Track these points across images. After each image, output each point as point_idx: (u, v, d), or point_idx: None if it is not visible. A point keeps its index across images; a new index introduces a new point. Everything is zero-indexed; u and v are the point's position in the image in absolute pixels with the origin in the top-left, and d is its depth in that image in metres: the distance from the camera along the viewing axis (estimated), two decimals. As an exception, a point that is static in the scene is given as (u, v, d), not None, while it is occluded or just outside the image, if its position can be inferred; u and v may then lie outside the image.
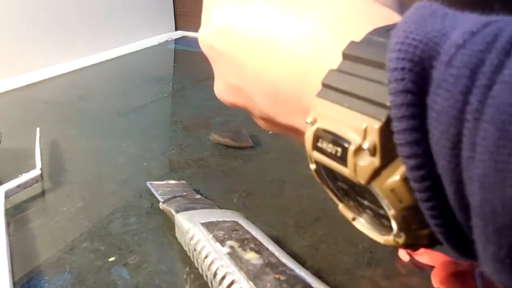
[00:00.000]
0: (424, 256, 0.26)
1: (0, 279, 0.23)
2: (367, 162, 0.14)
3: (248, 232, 0.24)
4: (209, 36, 0.23)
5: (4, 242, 0.26)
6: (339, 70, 0.16)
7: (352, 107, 0.15)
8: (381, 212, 0.16)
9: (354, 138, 0.14)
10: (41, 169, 0.34)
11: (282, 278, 0.20)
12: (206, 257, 0.22)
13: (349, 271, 0.25)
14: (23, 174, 0.32)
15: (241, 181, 0.35)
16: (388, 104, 0.13)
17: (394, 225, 0.15)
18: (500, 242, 0.11)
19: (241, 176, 0.35)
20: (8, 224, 0.28)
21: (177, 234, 0.26)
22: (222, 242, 0.23)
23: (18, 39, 0.61)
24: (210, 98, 0.54)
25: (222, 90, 0.24)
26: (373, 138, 0.14)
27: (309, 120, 0.17)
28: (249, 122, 0.47)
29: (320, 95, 0.16)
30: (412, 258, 0.26)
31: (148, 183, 0.33)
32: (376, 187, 0.14)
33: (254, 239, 0.23)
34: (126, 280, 0.24)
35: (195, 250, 0.23)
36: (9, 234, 0.27)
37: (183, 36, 0.89)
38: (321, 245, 0.27)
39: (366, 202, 0.16)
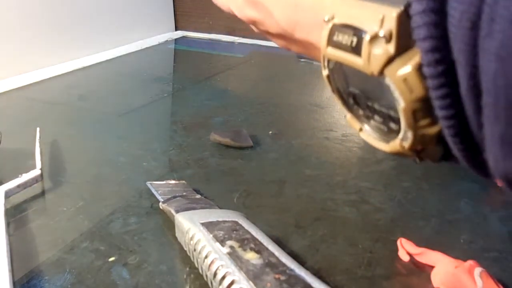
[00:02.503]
0: (424, 256, 0.26)
1: (0, 279, 0.23)
2: (382, 50, 0.14)
3: (248, 232, 0.24)
4: None
5: (4, 242, 0.26)
6: None
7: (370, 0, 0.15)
8: (391, 113, 0.15)
9: (370, 27, 0.14)
10: (41, 169, 0.34)
11: (282, 278, 0.20)
12: (206, 257, 0.22)
13: (349, 271, 0.25)
14: (23, 174, 0.32)
15: (241, 181, 0.35)
16: None
17: (402, 121, 0.15)
18: (509, 119, 0.11)
19: (241, 176, 0.35)
20: (8, 224, 0.28)
21: (177, 234, 0.26)
22: (222, 242, 0.23)
23: (18, 39, 0.61)
24: (210, 98, 0.54)
25: (240, 4, 0.24)
26: (390, 25, 0.14)
27: (326, 17, 0.17)
28: (249, 122, 0.47)
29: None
30: (412, 258, 0.26)
31: (148, 183, 0.33)
32: (389, 77, 0.14)
33: (254, 239, 0.23)
34: (126, 280, 0.24)
35: (195, 250, 0.23)
36: (9, 234, 0.27)
37: (183, 36, 0.89)
38: (321, 245, 0.27)
39: (376, 105, 0.16)
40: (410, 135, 0.15)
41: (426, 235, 0.28)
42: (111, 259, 0.26)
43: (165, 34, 0.89)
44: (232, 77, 0.63)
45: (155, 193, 0.31)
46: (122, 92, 0.56)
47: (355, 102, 0.18)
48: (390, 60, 0.14)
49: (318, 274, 0.23)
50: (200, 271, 0.23)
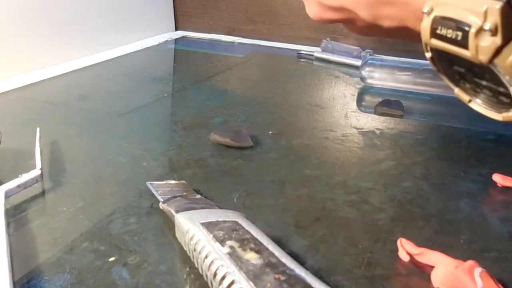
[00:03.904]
0: (424, 256, 0.26)
1: (0, 279, 0.23)
2: (489, 42, 0.15)
3: (248, 232, 0.24)
4: None
5: (4, 242, 0.26)
6: None
7: None
8: (500, 89, 0.16)
9: (474, 21, 0.15)
10: (41, 169, 0.34)
11: (282, 278, 0.20)
12: (206, 257, 0.22)
13: (349, 271, 0.25)
14: (23, 174, 0.32)
15: (241, 181, 0.35)
16: None
17: None
18: None
19: (241, 176, 0.35)
20: (8, 224, 0.28)
21: (177, 234, 0.26)
22: (222, 242, 0.23)
23: (18, 39, 0.61)
24: (210, 98, 0.54)
25: (318, 11, 0.24)
26: (494, 18, 0.14)
27: (425, 9, 0.17)
28: (249, 122, 0.47)
29: None
30: (412, 258, 0.26)
31: (148, 183, 0.33)
32: (498, 65, 0.15)
33: (254, 239, 0.23)
34: (126, 280, 0.24)
35: (195, 250, 0.23)
36: (9, 234, 0.27)
37: (183, 36, 0.89)
38: (321, 245, 0.27)
39: (484, 82, 0.17)
40: None
41: (426, 235, 0.28)
42: (111, 259, 0.26)
43: (165, 34, 0.89)
44: (232, 77, 0.63)
45: (155, 193, 0.31)
46: (122, 92, 0.56)
47: (461, 78, 0.18)
48: (498, 51, 0.15)
49: (318, 274, 0.23)
50: (200, 271, 0.23)
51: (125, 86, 0.59)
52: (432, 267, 0.25)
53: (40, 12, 0.63)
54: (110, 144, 0.41)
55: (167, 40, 0.84)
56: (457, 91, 0.19)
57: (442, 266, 0.24)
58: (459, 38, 0.16)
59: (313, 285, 0.20)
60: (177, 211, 0.26)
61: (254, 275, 0.20)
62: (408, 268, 0.25)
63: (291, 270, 0.21)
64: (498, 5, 0.14)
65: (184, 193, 0.31)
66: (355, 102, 0.53)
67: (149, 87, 0.58)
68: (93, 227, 0.29)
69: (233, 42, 0.85)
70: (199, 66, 0.69)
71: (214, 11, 0.89)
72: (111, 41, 0.76)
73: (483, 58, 0.15)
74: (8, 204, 0.30)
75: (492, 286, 0.22)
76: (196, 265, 0.24)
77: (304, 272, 0.21)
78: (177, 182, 0.33)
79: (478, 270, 0.23)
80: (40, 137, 0.37)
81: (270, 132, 0.43)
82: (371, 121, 0.47)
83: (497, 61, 0.15)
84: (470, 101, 0.19)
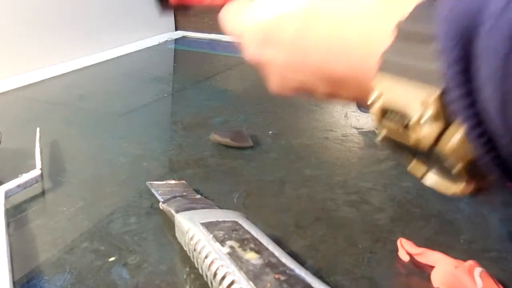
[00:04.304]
0: (424, 256, 0.26)
1: (0, 279, 0.23)
2: (430, 130, 0.16)
3: (248, 232, 0.24)
4: (258, 43, 0.24)
5: (4, 242, 0.26)
6: (394, 45, 0.17)
7: (411, 80, 0.16)
8: (448, 167, 0.17)
9: (416, 110, 0.16)
10: (41, 169, 0.34)
11: (282, 278, 0.20)
12: (206, 257, 0.22)
13: (349, 271, 0.25)
14: (23, 174, 0.32)
15: (241, 181, 0.35)
16: (441, 75, 0.15)
17: (460, 176, 0.17)
18: None
19: (241, 176, 0.35)
20: (8, 224, 0.28)
21: (177, 234, 0.26)
22: (222, 242, 0.23)
23: (18, 39, 0.61)
24: (210, 98, 0.54)
25: (280, 87, 0.25)
26: (433, 107, 0.15)
27: (373, 96, 0.18)
28: (249, 122, 0.47)
29: (381, 69, 0.18)
30: (412, 258, 0.26)
31: (148, 183, 0.33)
32: (440, 150, 0.16)
33: (254, 239, 0.23)
34: (126, 280, 0.24)
35: (195, 250, 0.23)
36: (9, 234, 0.27)
37: (183, 36, 0.89)
38: (321, 245, 0.27)
39: (432, 160, 0.18)
40: (471, 184, 0.17)
41: (426, 235, 0.28)
42: (111, 259, 0.26)
43: (165, 34, 0.89)
44: (232, 77, 0.63)
45: (155, 193, 0.31)
46: (122, 92, 0.56)
47: (413, 155, 0.19)
48: (438, 138, 0.16)
49: (318, 274, 0.23)
50: (200, 271, 0.23)
51: (125, 86, 0.59)
52: (432, 267, 0.25)
53: (40, 13, 0.63)
54: (110, 144, 0.41)
55: (167, 40, 0.84)
56: (409, 168, 0.20)
57: (442, 266, 0.24)
58: (404, 125, 0.17)
59: (313, 285, 0.20)
60: (177, 211, 0.26)
61: (254, 275, 0.20)
62: (408, 268, 0.25)
63: (291, 270, 0.21)
64: (435, 96, 0.15)
65: (184, 193, 0.31)
66: (355, 102, 0.53)
67: (149, 87, 0.58)
68: (93, 227, 0.29)
69: (233, 42, 0.85)
70: (199, 66, 0.69)
71: (214, 11, 0.89)
72: (111, 41, 0.76)
73: (425, 145, 0.16)
74: (8, 204, 0.30)
75: (492, 286, 0.22)
76: (196, 265, 0.24)
77: (304, 272, 0.21)
78: (177, 182, 0.33)
79: (478, 270, 0.23)
80: (40, 137, 0.37)
81: (270, 132, 0.43)
82: (371, 121, 0.47)
83: (438, 148, 0.16)
84: (422, 177, 0.20)
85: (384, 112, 0.18)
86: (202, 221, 0.24)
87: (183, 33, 0.91)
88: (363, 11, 0.20)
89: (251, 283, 0.20)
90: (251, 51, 0.25)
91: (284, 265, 0.21)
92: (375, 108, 0.18)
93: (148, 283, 0.24)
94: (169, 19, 0.92)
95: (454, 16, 0.14)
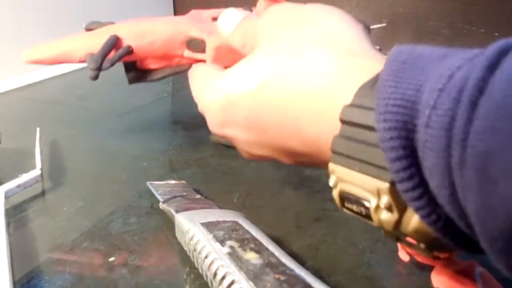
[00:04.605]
0: (424, 256, 0.26)
1: (0, 279, 0.23)
2: (388, 217, 0.17)
3: (248, 232, 0.24)
4: (217, 123, 0.25)
5: (4, 242, 0.26)
6: (342, 136, 0.18)
7: (361, 171, 0.17)
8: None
9: (371, 199, 0.17)
10: (41, 169, 0.34)
11: (282, 278, 0.20)
12: (206, 257, 0.22)
13: (349, 271, 0.25)
14: (23, 174, 0.32)
15: (241, 181, 0.35)
16: (387, 168, 0.15)
17: (428, 251, 0.18)
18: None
19: (241, 176, 0.35)
20: (8, 224, 0.28)
21: (177, 234, 0.26)
22: (222, 242, 0.23)
23: (18, 39, 0.61)
24: (210, 98, 0.54)
25: (247, 156, 0.26)
26: (386, 197, 0.16)
27: (331, 183, 0.19)
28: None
29: (332, 160, 0.19)
30: (412, 258, 0.26)
31: (148, 183, 0.33)
32: (403, 231, 0.17)
33: (254, 239, 0.23)
34: (126, 280, 0.24)
35: (195, 250, 0.23)
36: (9, 234, 0.27)
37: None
38: (321, 245, 0.27)
39: (401, 236, 0.19)
40: (439, 253, 0.18)
41: (426, 235, 0.28)
42: (111, 259, 0.26)
43: (165, 34, 0.89)
44: (232, 77, 0.63)
45: (155, 193, 0.31)
46: (122, 92, 0.56)
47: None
48: (397, 223, 0.16)
49: (318, 274, 0.23)
50: (200, 271, 0.23)
51: (125, 86, 0.59)
52: (432, 267, 0.25)
53: (40, 12, 0.63)
54: (110, 144, 0.41)
55: (167, 40, 0.84)
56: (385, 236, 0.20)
57: (442, 266, 0.24)
58: (364, 213, 0.18)
59: (313, 285, 0.20)
60: (177, 211, 0.26)
61: (254, 275, 0.20)
62: (408, 268, 0.25)
63: (291, 270, 0.21)
64: (386, 187, 0.16)
65: (184, 193, 0.31)
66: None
67: (149, 87, 0.57)
68: (93, 227, 0.29)
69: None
70: (199, 66, 0.69)
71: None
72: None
73: (387, 228, 0.17)
74: (8, 204, 0.30)
75: (492, 286, 0.22)
76: (196, 265, 0.24)
77: (304, 272, 0.21)
78: (177, 182, 0.33)
79: (478, 270, 0.23)
80: (40, 137, 0.37)
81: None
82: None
83: (400, 229, 0.17)
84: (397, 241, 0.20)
85: (344, 198, 0.18)
86: (202, 221, 0.24)
87: (183, 33, 0.91)
88: (314, 87, 0.20)
89: (251, 283, 0.20)
90: (212, 128, 0.26)
91: (284, 265, 0.21)
92: (335, 194, 0.19)
93: (148, 283, 0.24)
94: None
95: (391, 107, 0.15)
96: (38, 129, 0.38)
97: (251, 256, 0.22)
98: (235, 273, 0.20)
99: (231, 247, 0.22)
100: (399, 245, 0.27)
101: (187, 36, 0.33)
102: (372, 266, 0.25)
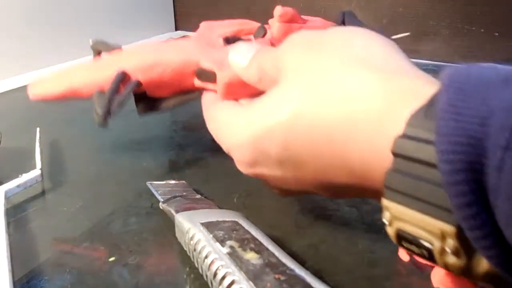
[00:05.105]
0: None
1: (0, 279, 0.23)
2: (455, 261, 0.15)
3: (248, 232, 0.24)
4: (246, 163, 0.24)
5: (4, 242, 0.26)
6: (396, 170, 0.16)
7: (422, 211, 0.15)
8: None
9: (434, 242, 0.15)
10: (41, 169, 0.34)
11: (282, 278, 0.20)
12: (206, 257, 0.22)
13: (349, 271, 0.25)
14: (23, 174, 0.32)
15: (241, 181, 0.34)
16: (453, 213, 0.14)
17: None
18: None
19: (241, 176, 0.35)
20: (8, 224, 0.28)
21: (177, 234, 0.26)
22: (222, 242, 0.23)
23: (18, 39, 0.61)
24: (210, 98, 0.53)
25: (282, 193, 0.25)
26: (452, 242, 0.14)
27: (385, 220, 0.17)
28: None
29: (387, 197, 0.17)
30: (412, 258, 0.26)
31: (148, 183, 0.33)
32: (471, 271, 0.15)
33: (254, 239, 0.23)
34: (126, 280, 0.24)
35: (195, 250, 0.23)
36: (9, 234, 0.27)
37: (183, 36, 0.89)
38: (321, 245, 0.27)
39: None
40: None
41: (426, 235, 0.28)
42: (111, 259, 0.26)
43: (165, 34, 0.89)
44: (232, 77, 0.63)
45: (155, 193, 0.31)
46: (122, 92, 0.56)
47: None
48: (466, 267, 0.15)
49: (318, 274, 0.23)
50: (200, 271, 0.23)
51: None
52: (432, 267, 0.25)
53: (40, 12, 0.63)
54: (110, 144, 0.41)
55: (167, 40, 0.84)
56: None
57: (442, 266, 0.24)
58: (426, 255, 0.16)
59: (313, 285, 0.20)
60: (177, 211, 0.26)
61: (254, 275, 0.20)
62: (408, 268, 0.25)
63: (291, 270, 0.21)
64: (452, 231, 0.14)
65: (184, 193, 0.31)
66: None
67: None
68: (93, 227, 0.29)
69: (233, 42, 0.84)
70: (199, 66, 0.69)
71: (214, 11, 0.89)
72: (111, 41, 0.76)
73: (454, 270, 0.16)
74: (8, 204, 0.30)
75: (492, 286, 0.22)
76: (196, 265, 0.24)
77: (304, 272, 0.21)
78: (177, 182, 0.33)
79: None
80: (40, 137, 0.37)
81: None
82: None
83: (469, 274, 0.15)
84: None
85: (402, 237, 0.17)
86: (202, 221, 0.24)
87: (183, 33, 0.91)
88: (357, 112, 0.18)
89: (251, 283, 0.20)
90: (242, 169, 0.24)
91: (284, 265, 0.21)
92: (390, 232, 0.17)
93: (148, 283, 0.24)
94: (169, 19, 0.92)
95: (453, 146, 0.13)
96: (38, 129, 0.38)
97: (251, 256, 0.22)
98: (235, 273, 0.20)
99: (231, 247, 0.22)
100: (399, 245, 0.27)
101: (197, 66, 0.32)
102: (372, 266, 0.25)
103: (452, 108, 0.13)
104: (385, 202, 0.17)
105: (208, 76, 0.31)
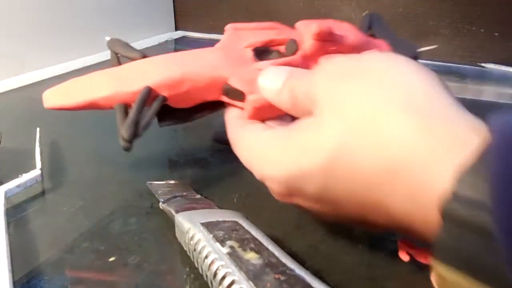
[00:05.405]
0: (424, 256, 0.26)
1: (0, 279, 0.23)
2: None
3: (248, 232, 0.24)
4: (282, 194, 0.24)
5: (4, 242, 0.26)
6: (447, 234, 0.15)
7: (477, 279, 0.14)
8: None
9: None
10: (41, 169, 0.34)
11: (282, 278, 0.20)
12: (206, 257, 0.22)
13: (349, 271, 0.25)
14: (23, 174, 0.32)
15: (241, 181, 0.35)
16: None
17: None
18: None
19: (241, 176, 0.35)
20: (8, 224, 0.28)
21: (177, 234, 0.26)
22: (222, 242, 0.23)
23: (18, 39, 0.61)
24: (210, 98, 0.53)
25: (321, 217, 0.25)
26: None
27: (435, 284, 0.17)
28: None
29: (438, 259, 0.16)
30: (412, 258, 0.26)
31: (148, 183, 0.33)
32: None
33: (254, 239, 0.23)
34: (126, 280, 0.24)
35: (195, 250, 0.23)
36: (9, 234, 0.27)
37: (183, 36, 0.89)
38: (321, 245, 0.27)
39: None
40: None
41: (426, 235, 0.28)
42: (111, 259, 0.26)
43: (165, 34, 0.89)
44: (232, 77, 0.63)
45: (155, 193, 0.31)
46: (122, 92, 0.56)
47: None
48: None
49: (318, 274, 0.23)
50: (200, 271, 0.23)
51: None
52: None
53: (40, 12, 0.63)
54: (110, 144, 0.41)
55: (167, 40, 0.84)
56: None
57: (442, 266, 0.24)
58: None
59: (313, 285, 0.20)
60: (177, 211, 0.26)
61: (254, 275, 0.20)
62: (408, 268, 0.25)
63: (291, 270, 0.21)
64: None
65: (184, 193, 0.31)
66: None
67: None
68: (93, 227, 0.29)
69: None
70: (199, 66, 0.69)
71: (214, 11, 0.89)
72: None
73: None
74: (8, 204, 0.30)
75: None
76: (196, 265, 0.24)
77: (304, 272, 0.21)
78: (177, 182, 0.33)
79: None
80: (40, 137, 0.37)
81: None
82: None
83: None
84: None
85: None
86: (202, 221, 0.24)
87: (183, 33, 0.91)
88: (398, 161, 0.17)
89: (251, 283, 0.20)
90: (277, 198, 0.24)
91: (284, 265, 0.21)
92: None
93: (148, 283, 0.24)
94: (169, 19, 0.92)
95: None
96: (38, 129, 0.38)
97: (251, 256, 0.22)
98: (235, 273, 0.20)
99: (231, 247, 0.22)
100: (399, 245, 0.27)
101: (226, 84, 0.31)
102: (372, 266, 0.25)
103: (508, 170, 0.13)
104: (435, 263, 0.16)
105: (236, 94, 0.30)
